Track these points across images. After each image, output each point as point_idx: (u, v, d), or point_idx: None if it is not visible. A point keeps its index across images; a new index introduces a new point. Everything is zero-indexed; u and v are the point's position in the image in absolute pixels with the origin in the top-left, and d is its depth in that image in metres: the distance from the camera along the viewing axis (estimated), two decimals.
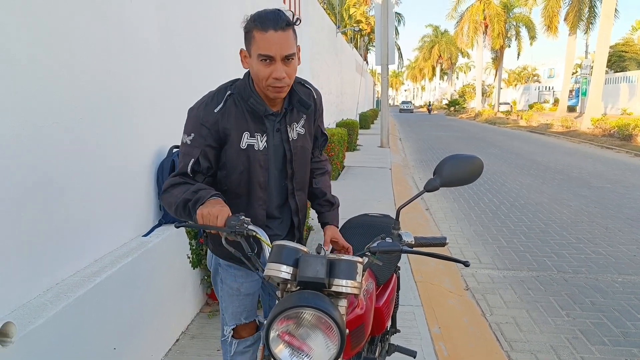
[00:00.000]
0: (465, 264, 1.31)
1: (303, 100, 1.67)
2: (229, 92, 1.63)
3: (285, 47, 1.48)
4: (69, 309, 1.92)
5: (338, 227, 1.87)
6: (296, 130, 1.72)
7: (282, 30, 1.47)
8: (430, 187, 1.46)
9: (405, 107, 58.37)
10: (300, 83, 1.75)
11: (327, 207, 1.88)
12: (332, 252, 1.74)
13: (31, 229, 1.90)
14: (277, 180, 1.73)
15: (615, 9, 23.80)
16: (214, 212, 1.39)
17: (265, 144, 1.64)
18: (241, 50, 1.59)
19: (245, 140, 1.61)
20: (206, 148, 1.59)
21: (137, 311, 2.50)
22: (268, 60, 1.49)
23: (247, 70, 1.65)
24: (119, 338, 2.30)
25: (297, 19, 1.54)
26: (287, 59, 1.51)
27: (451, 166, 1.47)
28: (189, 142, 1.59)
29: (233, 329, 1.85)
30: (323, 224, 1.87)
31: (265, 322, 1.16)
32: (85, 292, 2.03)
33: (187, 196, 1.50)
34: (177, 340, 2.97)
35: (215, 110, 1.59)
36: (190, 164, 1.57)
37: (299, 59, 1.58)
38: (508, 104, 51.10)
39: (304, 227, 1.89)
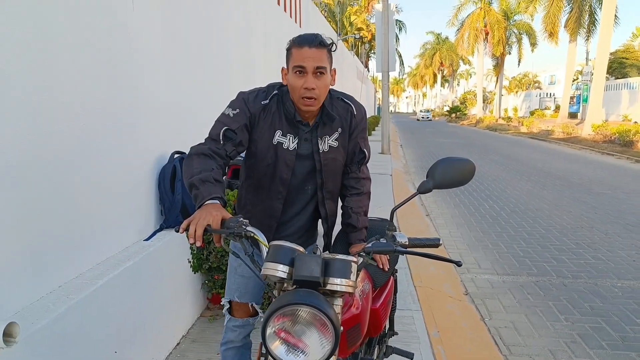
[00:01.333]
0: (458, 264, 1.35)
1: (330, 114, 1.81)
2: (275, 92, 1.81)
3: (316, 60, 1.66)
4: (71, 311, 1.95)
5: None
6: (328, 142, 1.84)
7: (315, 47, 1.66)
8: (423, 189, 1.49)
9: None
10: (340, 98, 1.89)
11: (350, 228, 1.95)
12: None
13: (35, 233, 1.94)
14: (299, 183, 1.85)
15: (615, 16, 23.90)
16: (205, 217, 1.38)
17: (295, 146, 1.79)
18: (282, 68, 1.78)
19: (277, 137, 1.78)
20: (242, 126, 1.74)
21: (138, 314, 2.53)
22: (301, 72, 1.66)
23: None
24: (120, 341, 2.33)
25: (333, 43, 1.73)
26: (319, 72, 1.67)
27: (444, 169, 1.50)
28: (232, 114, 1.75)
29: (229, 303, 1.96)
30: (348, 244, 1.96)
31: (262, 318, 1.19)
32: (87, 294, 2.06)
33: (194, 181, 1.54)
34: (178, 343, 3.00)
35: (262, 102, 1.78)
36: (224, 130, 1.71)
37: (333, 79, 1.77)
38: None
39: (331, 233, 2.01)
